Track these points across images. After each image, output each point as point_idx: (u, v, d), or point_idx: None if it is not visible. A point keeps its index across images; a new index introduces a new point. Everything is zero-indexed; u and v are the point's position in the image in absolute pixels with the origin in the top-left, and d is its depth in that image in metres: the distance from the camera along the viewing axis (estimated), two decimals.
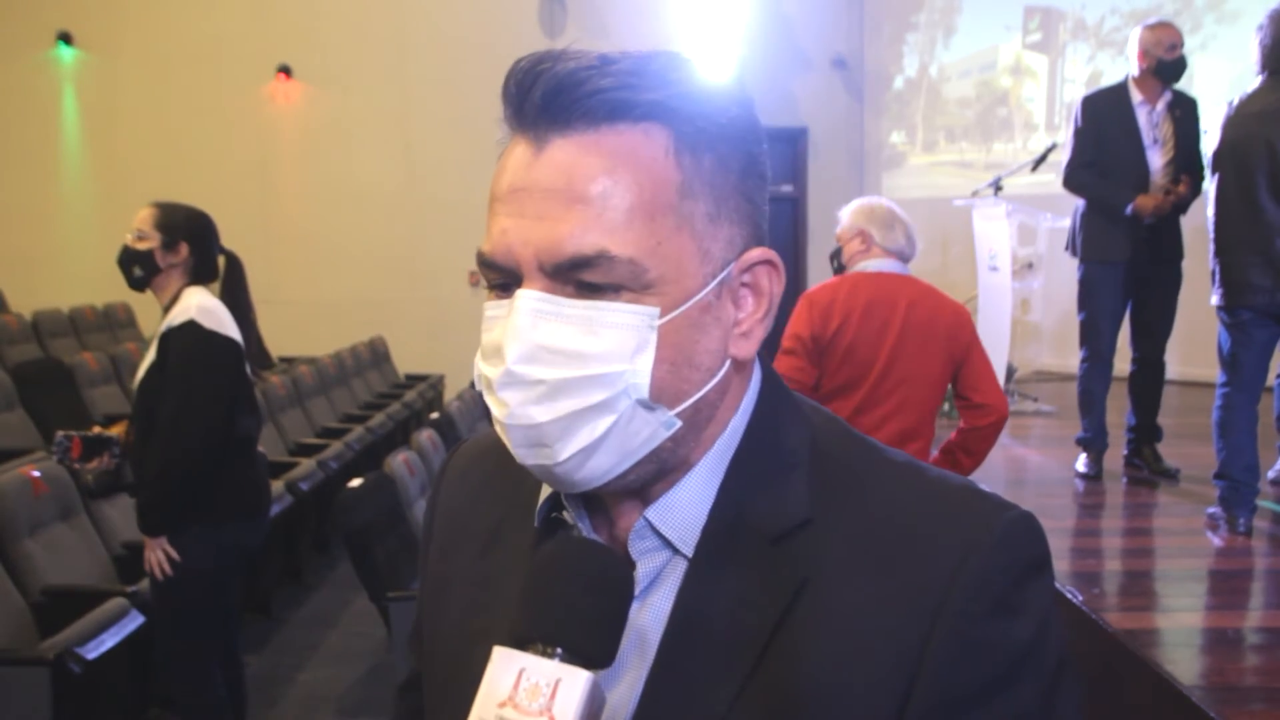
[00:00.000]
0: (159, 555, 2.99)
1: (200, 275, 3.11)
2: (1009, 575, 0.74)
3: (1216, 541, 3.84)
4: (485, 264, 0.78)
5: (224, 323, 3.04)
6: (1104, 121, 4.48)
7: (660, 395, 0.75)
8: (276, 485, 4.88)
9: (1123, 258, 4.44)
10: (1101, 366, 4.57)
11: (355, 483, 3.84)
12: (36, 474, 3.69)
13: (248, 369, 3.16)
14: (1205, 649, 2.94)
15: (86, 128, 9.41)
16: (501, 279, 0.77)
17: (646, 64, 0.75)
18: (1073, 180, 4.56)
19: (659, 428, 0.76)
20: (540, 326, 0.73)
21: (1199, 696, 2.49)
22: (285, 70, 9.16)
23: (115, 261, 3.08)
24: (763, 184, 0.80)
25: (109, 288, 9.11)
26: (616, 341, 0.73)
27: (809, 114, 8.87)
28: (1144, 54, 4.44)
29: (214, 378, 2.99)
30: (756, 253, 0.79)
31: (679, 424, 0.77)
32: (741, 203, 0.78)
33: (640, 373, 0.74)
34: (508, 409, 0.75)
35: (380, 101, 9.12)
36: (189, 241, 3.08)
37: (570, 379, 0.73)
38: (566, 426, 0.74)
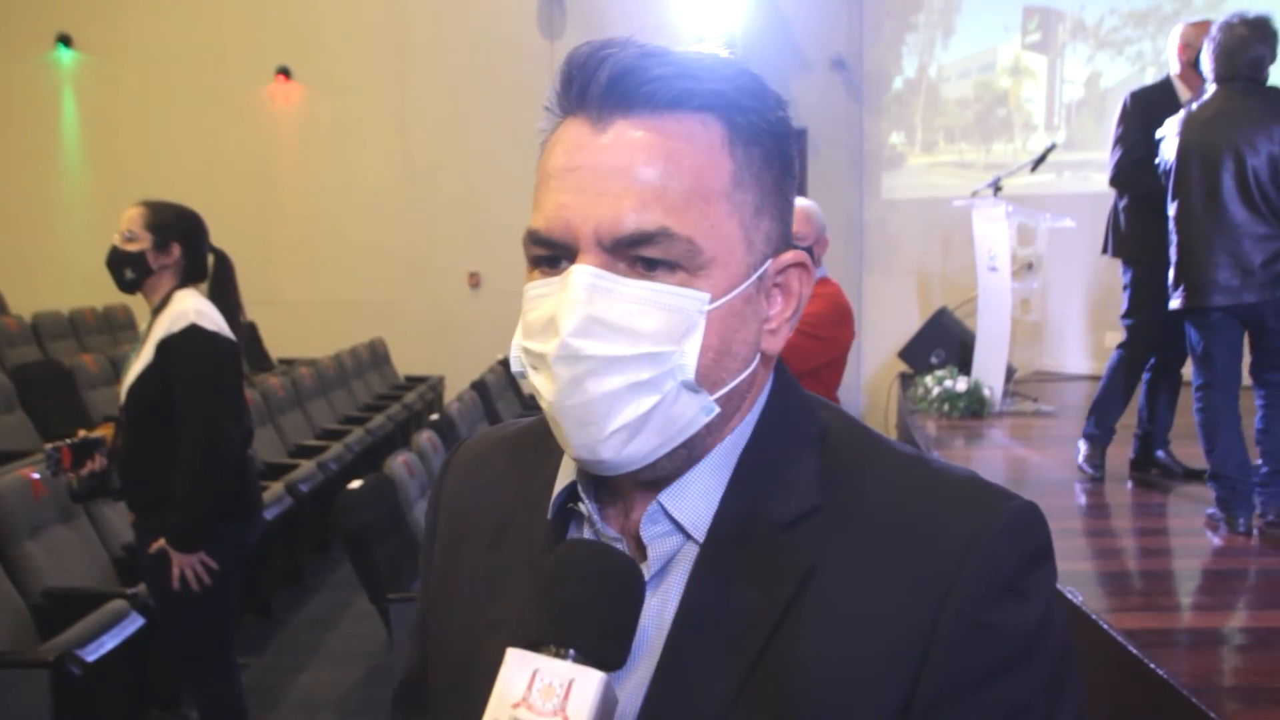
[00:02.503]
0: (199, 569, 2.97)
1: (190, 275, 3.08)
2: (1015, 561, 0.76)
3: (1216, 541, 3.84)
4: (538, 240, 0.78)
5: (221, 324, 3.04)
6: (1156, 118, 4.29)
7: (702, 381, 0.77)
8: (276, 487, 4.89)
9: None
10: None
11: (355, 484, 3.85)
12: (36, 476, 3.69)
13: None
14: (1205, 649, 2.94)
15: (86, 130, 9.41)
16: (551, 254, 0.78)
17: (702, 57, 0.79)
18: (1125, 177, 4.41)
19: (699, 412, 0.78)
20: (596, 301, 0.75)
21: (1199, 696, 2.49)
22: (285, 72, 9.15)
23: (104, 263, 3.05)
24: (795, 184, 0.84)
25: (108, 290, 9.04)
26: (668, 323, 0.75)
27: (808, 114, 8.86)
28: (1186, 47, 4.39)
29: (227, 382, 3.02)
30: (790, 255, 0.83)
31: (718, 409, 0.79)
32: (780, 200, 0.82)
33: (688, 354, 0.76)
34: (559, 385, 0.76)
35: (380, 103, 9.11)
36: (181, 241, 3.03)
37: (621, 356, 0.75)
38: (613, 402, 0.75)
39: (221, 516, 3.02)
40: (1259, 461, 3.81)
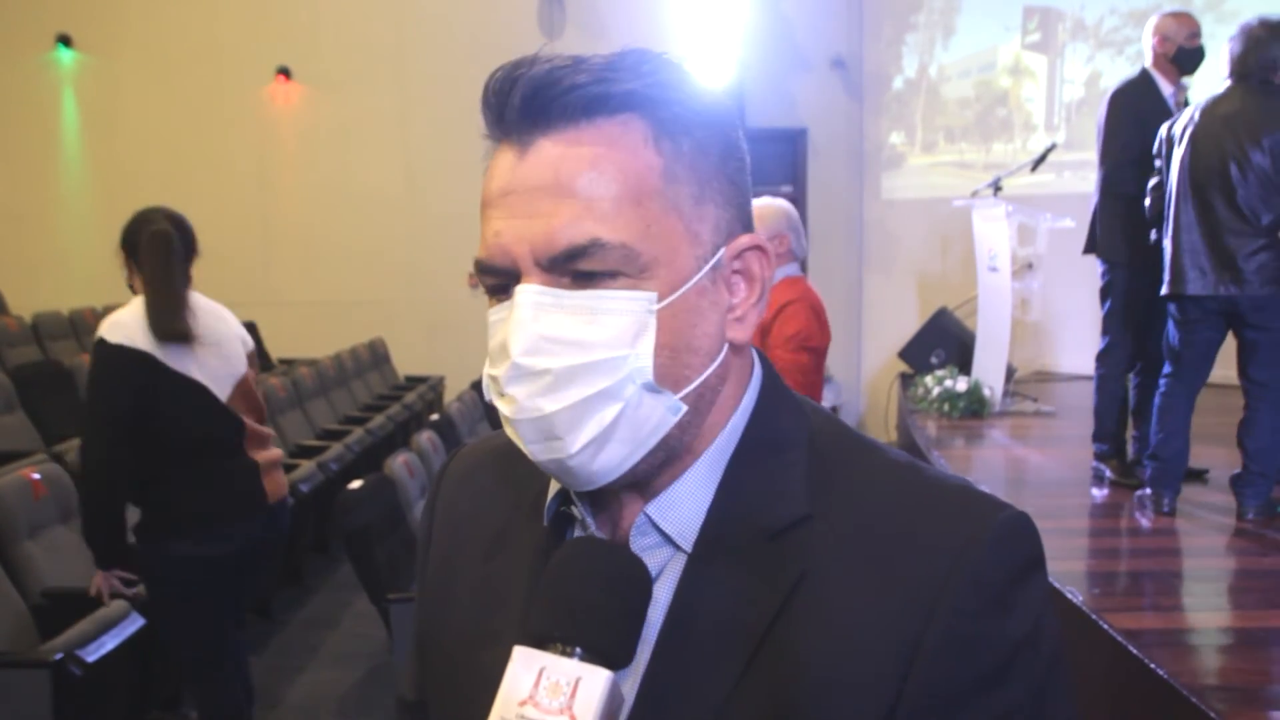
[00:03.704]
0: (115, 584, 3.05)
1: (146, 271, 2.94)
2: (1004, 573, 0.75)
3: (1216, 541, 3.85)
4: (483, 269, 0.79)
5: (135, 334, 2.85)
6: (1143, 114, 4.37)
7: (663, 381, 0.76)
8: None
9: None
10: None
11: (355, 484, 3.85)
12: (36, 476, 3.69)
13: (188, 366, 2.91)
14: (1205, 649, 2.94)
15: (86, 130, 9.41)
16: (500, 282, 0.78)
17: (619, 59, 0.78)
18: (1122, 174, 4.42)
19: (666, 413, 0.77)
20: (541, 318, 0.74)
21: (1199, 696, 2.49)
22: (285, 72, 9.15)
23: None
24: (743, 166, 0.82)
25: (109, 290, 9.09)
26: (617, 328, 0.75)
27: (808, 114, 8.86)
28: (1163, 39, 4.42)
29: (114, 398, 2.83)
30: (745, 239, 0.81)
31: (685, 408, 0.78)
32: (724, 185, 0.80)
33: (643, 356, 0.75)
34: (516, 403, 0.76)
35: (380, 103, 9.11)
36: (126, 248, 2.96)
37: (574, 366, 0.74)
38: (576, 416, 0.75)
39: (171, 534, 2.94)
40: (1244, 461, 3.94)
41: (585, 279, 0.75)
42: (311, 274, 9.21)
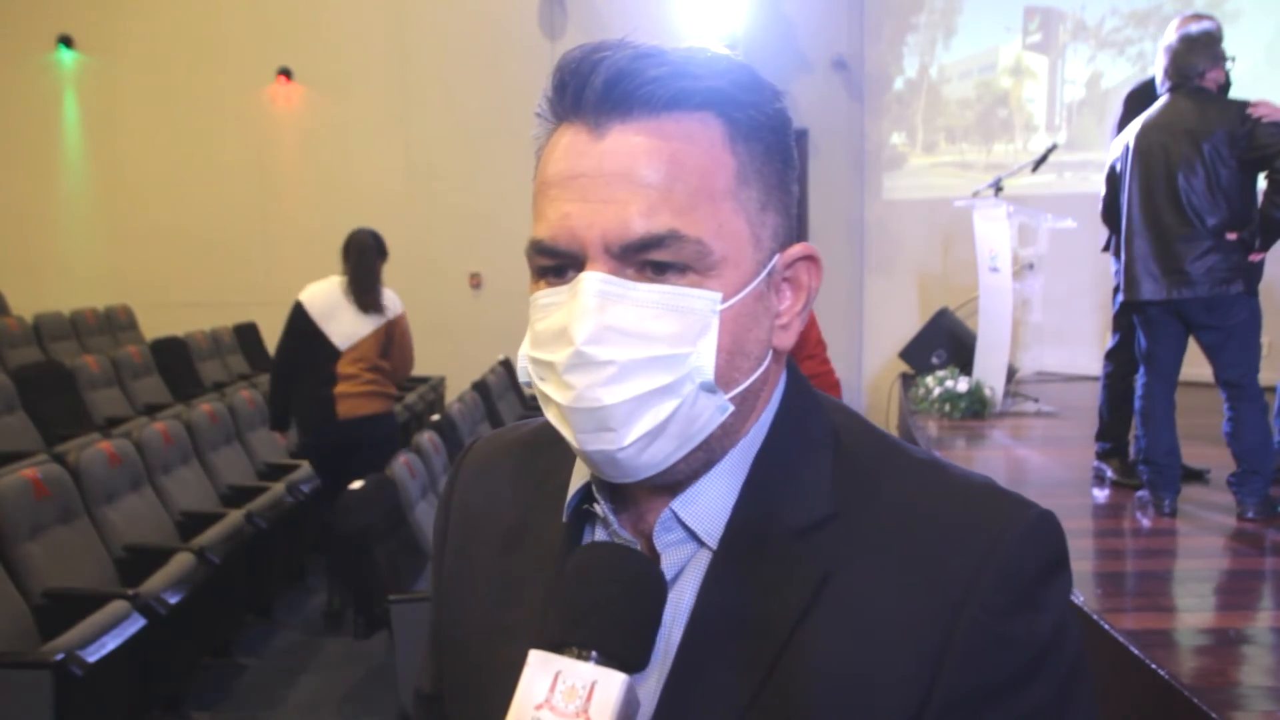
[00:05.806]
0: (277, 439, 5.29)
1: (350, 263, 4.87)
2: (1032, 571, 0.75)
3: (1217, 541, 3.85)
4: (543, 250, 0.77)
5: (310, 296, 4.81)
6: None
7: (718, 382, 0.76)
8: (278, 487, 4.88)
9: None
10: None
11: (356, 485, 3.85)
12: (38, 476, 3.69)
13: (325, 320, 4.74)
14: (1205, 649, 2.94)
15: (87, 131, 9.41)
16: (557, 264, 0.77)
17: (697, 54, 0.77)
18: None
19: (715, 412, 0.77)
20: (608, 308, 0.73)
21: (1199, 696, 2.49)
22: (285, 73, 9.15)
23: None
24: (796, 176, 0.83)
25: (110, 290, 9.10)
26: (682, 325, 0.74)
27: (809, 115, 8.86)
28: None
29: (287, 332, 4.79)
30: (799, 248, 0.82)
31: (732, 408, 0.78)
32: (783, 194, 0.81)
33: (704, 355, 0.75)
34: (574, 392, 0.74)
35: (380, 103, 9.11)
36: (343, 251, 4.94)
37: (639, 360, 0.73)
38: (633, 409, 0.74)
39: (299, 426, 4.88)
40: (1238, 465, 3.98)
41: (653, 271, 0.74)
42: (311, 274, 9.07)
